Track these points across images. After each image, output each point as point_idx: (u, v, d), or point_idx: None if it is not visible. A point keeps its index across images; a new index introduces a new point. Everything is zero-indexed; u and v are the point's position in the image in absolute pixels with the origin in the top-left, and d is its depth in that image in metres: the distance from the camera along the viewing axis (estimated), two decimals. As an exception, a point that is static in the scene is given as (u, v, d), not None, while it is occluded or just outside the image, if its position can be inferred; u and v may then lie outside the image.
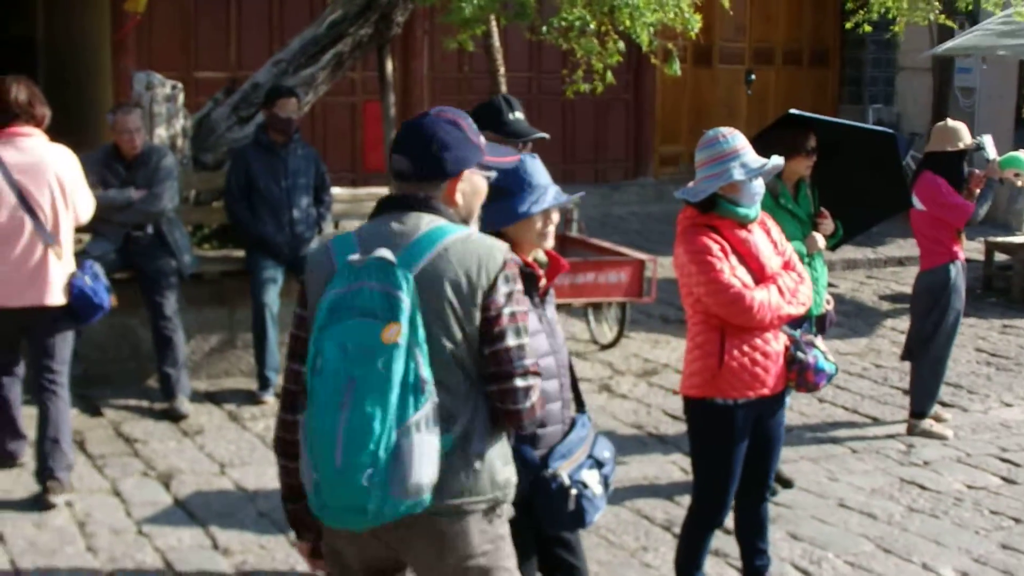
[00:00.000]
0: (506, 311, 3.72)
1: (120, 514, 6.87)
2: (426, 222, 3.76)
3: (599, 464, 4.49)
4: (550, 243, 4.48)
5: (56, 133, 7.45)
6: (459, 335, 3.70)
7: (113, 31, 14.31)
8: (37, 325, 7.09)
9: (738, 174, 5.29)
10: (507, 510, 3.92)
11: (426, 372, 3.58)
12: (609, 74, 10.84)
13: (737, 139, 5.38)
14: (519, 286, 3.80)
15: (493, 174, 4.01)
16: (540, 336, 4.39)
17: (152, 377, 8.95)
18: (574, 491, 4.34)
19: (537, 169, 4.43)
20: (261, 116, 9.62)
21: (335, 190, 9.86)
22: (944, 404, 9.16)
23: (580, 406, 4.69)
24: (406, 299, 3.57)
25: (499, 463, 3.83)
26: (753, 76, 18.77)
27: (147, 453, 7.81)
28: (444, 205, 3.82)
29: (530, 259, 4.45)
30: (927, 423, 8.60)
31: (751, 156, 5.36)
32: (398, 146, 3.86)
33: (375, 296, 3.60)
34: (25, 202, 6.84)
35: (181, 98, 10.23)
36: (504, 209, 4.35)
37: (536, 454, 4.39)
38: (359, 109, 15.94)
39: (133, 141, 8.62)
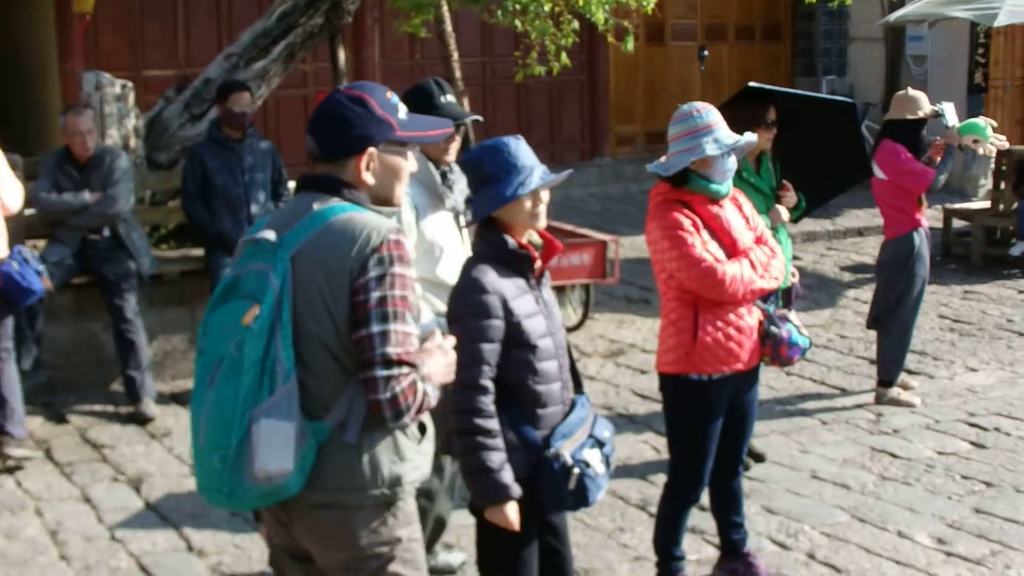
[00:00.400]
0: (374, 295, 3.54)
1: (92, 521, 6.79)
2: (319, 202, 3.67)
3: (600, 443, 4.52)
4: (542, 223, 4.50)
5: (3, 138, 7.52)
6: (327, 320, 3.58)
7: (58, 31, 14.14)
8: None
9: (711, 149, 5.26)
10: (404, 509, 3.77)
11: (285, 357, 3.50)
12: (564, 55, 10.81)
13: (711, 114, 5.35)
14: (399, 269, 3.59)
15: (414, 152, 3.88)
16: (538, 317, 4.44)
17: (116, 381, 8.85)
18: (576, 470, 4.36)
19: (522, 151, 4.44)
20: (214, 112, 9.53)
21: (291, 183, 9.78)
22: (910, 372, 9.19)
23: (578, 387, 4.70)
24: (275, 281, 3.53)
25: (386, 458, 3.67)
26: (706, 52, 18.74)
27: (115, 458, 7.72)
28: (350, 185, 3.71)
29: (524, 241, 4.47)
30: (895, 391, 8.62)
31: (724, 132, 5.34)
32: (308, 127, 3.79)
33: (257, 277, 3.59)
34: None
35: (132, 97, 10.12)
36: (491, 194, 4.38)
37: (537, 435, 4.40)
38: (312, 101, 15.83)
39: (85, 143, 8.52)
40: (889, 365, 8.63)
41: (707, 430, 5.51)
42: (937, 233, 13.20)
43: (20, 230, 8.89)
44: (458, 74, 11.56)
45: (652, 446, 7.79)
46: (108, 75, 10.11)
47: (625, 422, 8.29)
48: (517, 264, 4.44)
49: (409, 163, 3.83)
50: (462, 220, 5.69)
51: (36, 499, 7.09)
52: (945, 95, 12.47)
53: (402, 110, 3.81)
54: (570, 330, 10.59)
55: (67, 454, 7.80)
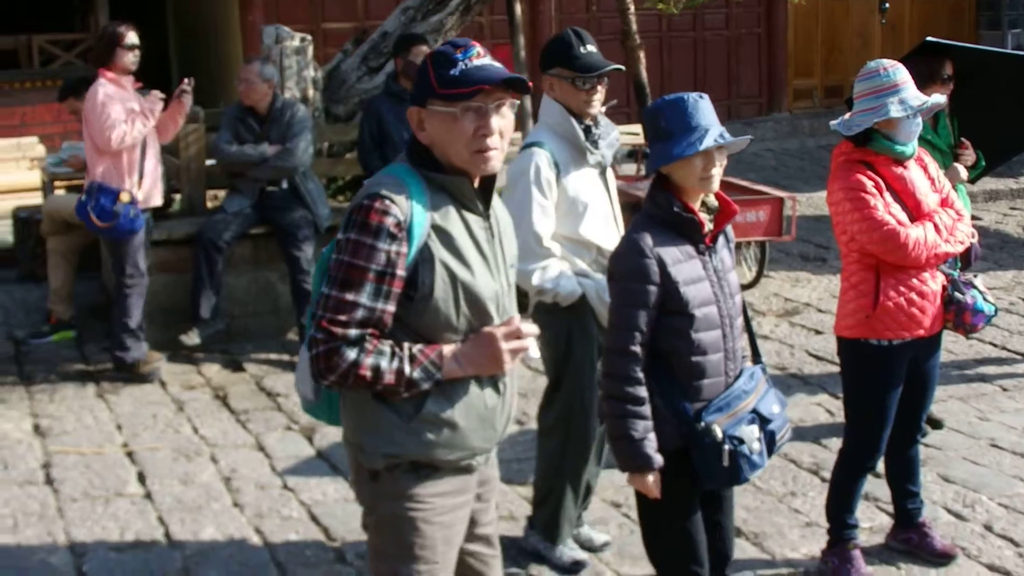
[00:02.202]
0: (333, 256, 3.57)
1: (265, 469, 6.91)
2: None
3: (764, 420, 4.31)
4: (715, 187, 4.28)
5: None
6: None
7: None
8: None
9: (895, 110, 5.10)
10: (388, 481, 3.65)
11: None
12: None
13: (898, 73, 5.17)
14: (355, 236, 3.47)
15: (468, 111, 3.50)
16: (702, 284, 4.26)
17: (292, 330, 9.00)
18: (727, 447, 4.18)
19: (701, 109, 4.24)
20: (391, 66, 9.56)
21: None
22: (1099, 338, 8.88)
23: (756, 357, 4.55)
24: (342, 223, 3.63)
25: (354, 421, 3.69)
26: (887, 4, 18.27)
27: (289, 407, 7.84)
28: (417, 144, 3.61)
29: (697, 204, 4.28)
30: (1081, 359, 8.34)
31: (911, 92, 5.16)
32: None
33: None
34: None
35: (310, 50, 10.22)
36: (661, 150, 4.22)
37: (689, 406, 4.24)
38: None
39: (247, 91, 8.69)
40: (1076, 331, 8.34)
41: (886, 396, 5.37)
42: None
43: (201, 179, 9.09)
44: (634, 27, 11.44)
45: (826, 409, 7.65)
46: (288, 28, 10.23)
47: (799, 383, 8.16)
48: (683, 227, 4.25)
49: (463, 123, 3.51)
50: (610, 175, 5.57)
51: (211, 446, 7.24)
52: None
53: (460, 66, 3.51)
54: (745, 288, 10.45)
55: (242, 402, 7.96)
